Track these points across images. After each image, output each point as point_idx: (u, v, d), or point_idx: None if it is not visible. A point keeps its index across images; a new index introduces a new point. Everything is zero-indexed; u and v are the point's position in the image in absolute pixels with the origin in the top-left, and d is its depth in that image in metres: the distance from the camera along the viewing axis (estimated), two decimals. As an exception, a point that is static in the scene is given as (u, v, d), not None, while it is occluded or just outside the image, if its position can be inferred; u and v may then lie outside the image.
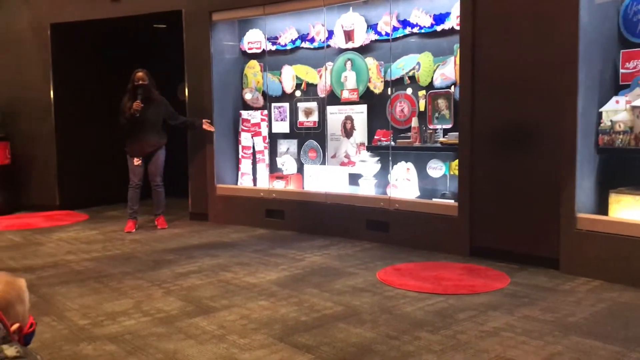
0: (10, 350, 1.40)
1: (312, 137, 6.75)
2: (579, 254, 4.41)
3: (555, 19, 4.47)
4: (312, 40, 6.56)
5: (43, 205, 7.98)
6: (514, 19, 4.74)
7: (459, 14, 5.13)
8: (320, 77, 6.56)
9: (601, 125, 4.43)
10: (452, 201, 5.35)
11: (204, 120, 6.77)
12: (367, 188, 6.09)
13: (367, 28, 6.10)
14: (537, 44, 4.61)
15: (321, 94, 6.58)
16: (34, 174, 8.13)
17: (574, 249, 4.45)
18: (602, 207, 4.49)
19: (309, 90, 6.73)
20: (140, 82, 6.41)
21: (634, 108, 4.24)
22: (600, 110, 4.45)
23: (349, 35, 6.21)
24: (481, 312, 3.67)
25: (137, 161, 6.57)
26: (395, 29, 5.86)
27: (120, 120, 6.51)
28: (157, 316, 3.71)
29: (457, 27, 5.24)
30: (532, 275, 4.46)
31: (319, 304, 3.88)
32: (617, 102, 4.37)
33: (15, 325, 1.50)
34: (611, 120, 4.35)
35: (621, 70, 4.52)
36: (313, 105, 6.68)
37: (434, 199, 5.59)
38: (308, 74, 6.69)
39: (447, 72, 5.58)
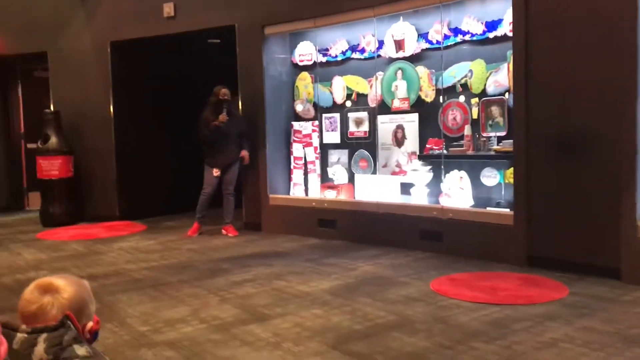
0: (81, 350, 1.48)
1: (362, 147, 6.77)
2: (642, 264, 4.26)
3: (613, 20, 4.36)
4: (363, 50, 6.59)
5: (104, 216, 8.28)
6: (569, 23, 4.64)
7: (511, 20, 5.07)
8: (371, 87, 6.58)
9: (663, 130, 4.28)
10: (508, 210, 5.25)
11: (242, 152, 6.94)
12: (420, 197, 6.05)
13: (418, 37, 6.10)
14: (594, 49, 4.50)
15: (372, 103, 6.60)
16: (96, 186, 8.45)
17: (636, 258, 4.29)
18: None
19: (360, 101, 6.76)
20: (226, 97, 6.81)
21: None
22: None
23: (399, 45, 6.22)
24: (538, 322, 3.59)
25: (216, 172, 6.91)
26: (446, 37, 5.84)
27: (202, 132, 6.82)
28: (213, 323, 3.80)
29: (510, 34, 5.17)
30: (591, 285, 4.32)
31: (372, 313, 3.88)
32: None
33: (90, 324, 1.57)
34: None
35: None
36: (363, 115, 6.70)
37: (488, 208, 5.50)
38: (358, 84, 6.72)
39: (500, 79, 5.51)
